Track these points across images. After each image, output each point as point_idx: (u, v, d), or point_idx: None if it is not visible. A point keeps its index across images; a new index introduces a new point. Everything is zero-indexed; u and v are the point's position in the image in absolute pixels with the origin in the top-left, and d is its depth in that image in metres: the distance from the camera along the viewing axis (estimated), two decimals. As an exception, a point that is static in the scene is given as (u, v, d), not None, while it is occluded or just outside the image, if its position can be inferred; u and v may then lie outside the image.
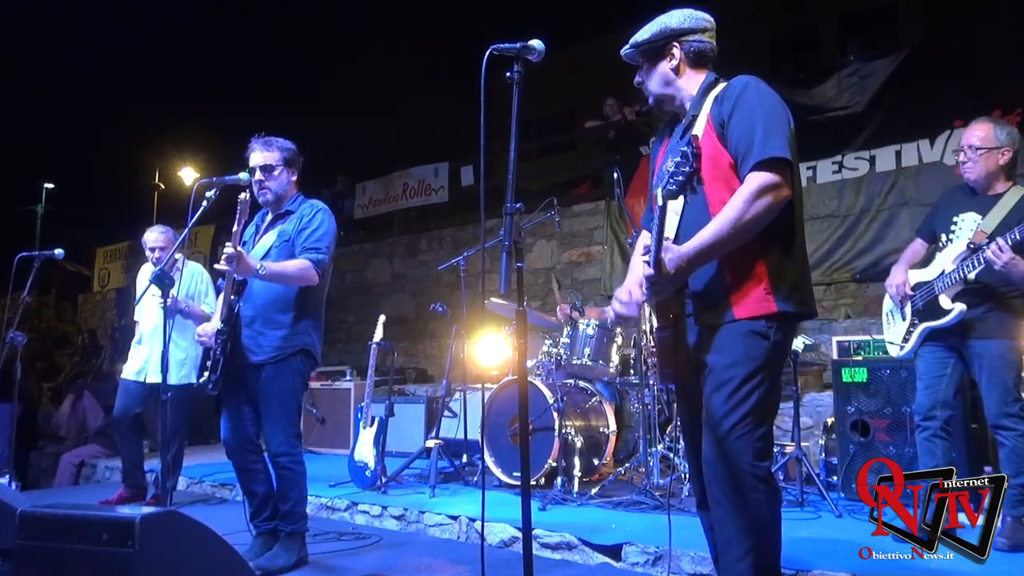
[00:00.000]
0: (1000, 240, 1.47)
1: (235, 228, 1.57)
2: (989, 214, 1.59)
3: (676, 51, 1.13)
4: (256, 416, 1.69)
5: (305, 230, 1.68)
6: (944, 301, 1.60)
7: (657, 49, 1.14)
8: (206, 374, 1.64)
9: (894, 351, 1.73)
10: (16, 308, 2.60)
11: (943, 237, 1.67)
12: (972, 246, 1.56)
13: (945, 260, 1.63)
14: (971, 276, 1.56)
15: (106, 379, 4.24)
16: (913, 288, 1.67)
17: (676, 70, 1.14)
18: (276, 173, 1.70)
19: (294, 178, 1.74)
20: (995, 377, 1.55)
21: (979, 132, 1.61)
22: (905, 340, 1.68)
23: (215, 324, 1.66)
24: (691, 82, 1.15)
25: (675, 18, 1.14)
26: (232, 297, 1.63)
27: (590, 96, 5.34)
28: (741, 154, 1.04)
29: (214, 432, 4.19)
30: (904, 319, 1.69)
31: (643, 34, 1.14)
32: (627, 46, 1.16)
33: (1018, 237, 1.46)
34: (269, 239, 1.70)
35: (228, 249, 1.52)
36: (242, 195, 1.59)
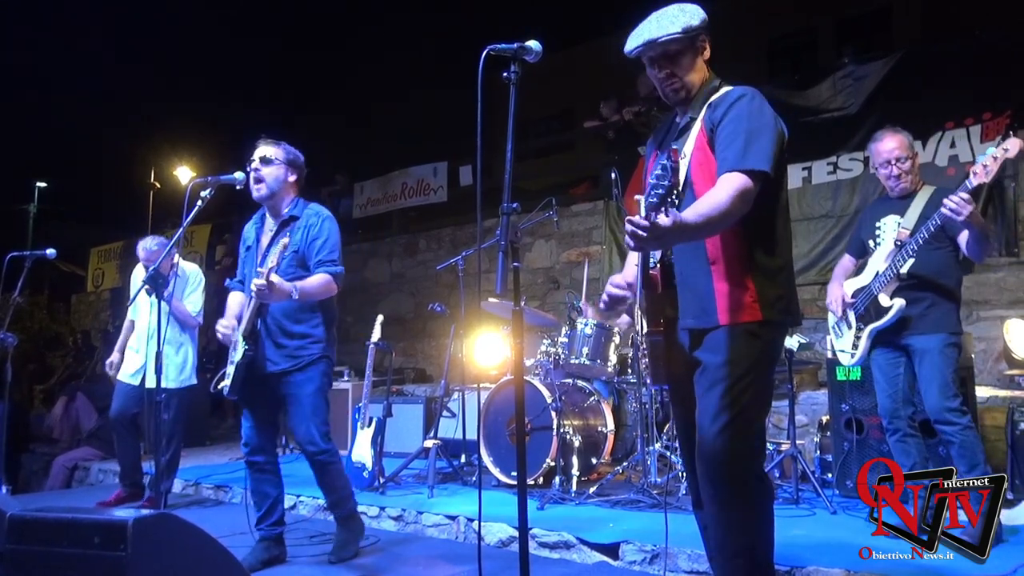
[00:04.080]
0: (958, 193, 1.42)
1: (271, 263, 1.55)
2: (907, 213, 1.65)
3: (707, 42, 1.14)
4: (276, 417, 1.72)
5: (316, 241, 1.69)
6: (883, 299, 1.64)
7: (697, 37, 1.12)
8: (227, 382, 1.65)
9: (845, 359, 1.77)
10: (7, 309, 2.57)
11: (870, 244, 1.73)
12: (899, 243, 1.62)
13: (877, 262, 1.68)
14: (903, 270, 1.63)
15: (99, 381, 4.19)
16: (853, 296, 1.72)
17: (706, 61, 1.15)
18: (274, 166, 1.70)
19: (292, 179, 1.73)
20: (935, 372, 1.57)
21: (894, 144, 1.66)
22: (855, 347, 1.71)
23: (230, 323, 1.65)
24: (707, 77, 1.15)
25: (701, 10, 1.14)
26: (257, 318, 1.64)
27: (589, 96, 5.34)
28: (721, 162, 1.05)
29: (210, 434, 4.20)
30: (850, 327, 1.73)
31: (691, 19, 1.11)
32: (671, 31, 1.09)
33: (968, 189, 1.43)
34: (279, 250, 1.69)
35: (259, 281, 1.52)
36: (284, 239, 1.60)
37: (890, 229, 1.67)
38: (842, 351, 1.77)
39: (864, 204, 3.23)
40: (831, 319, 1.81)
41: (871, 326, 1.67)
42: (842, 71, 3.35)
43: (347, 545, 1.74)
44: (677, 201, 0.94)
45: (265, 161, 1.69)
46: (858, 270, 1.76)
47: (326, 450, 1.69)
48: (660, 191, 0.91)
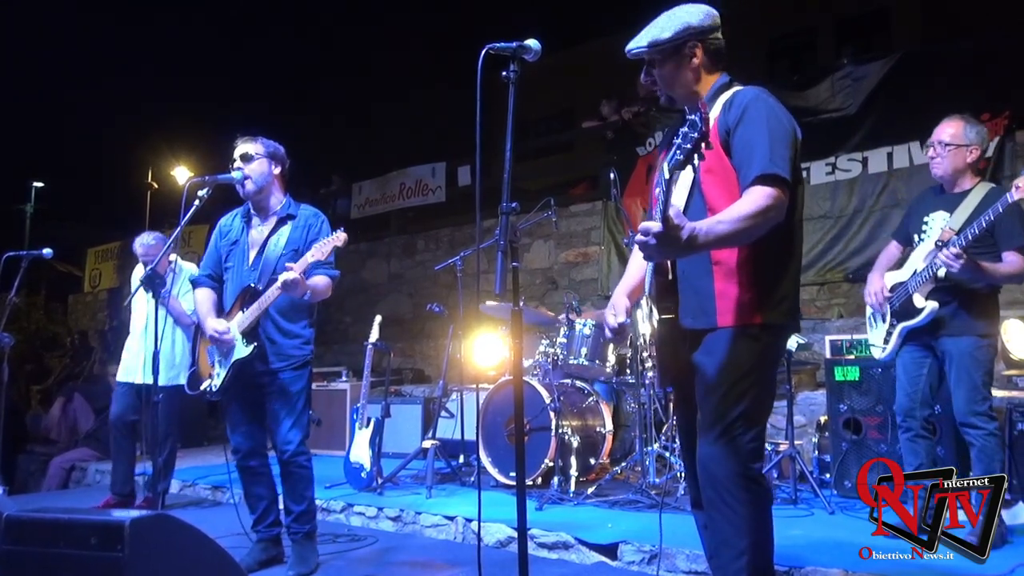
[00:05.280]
0: (949, 248, 1.49)
1: (314, 256, 1.55)
2: (956, 211, 1.61)
3: (699, 51, 1.08)
4: (264, 420, 1.69)
5: (315, 242, 1.67)
6: (917, 300, 1.62)
7: (678, 48, 1.07)
8: (213, 380, 1.63)
9: (877, 353, 1.76)
10: (3, 309, 2.56)
11: (915, 238, 1.70)
12: (939, 244, 1.58)
13: (917, 259, 1.66)
14: (940, 273, 1.58)
15: (97, 381, 4.18)
16: (891, 290, 1.70)
17: (697, 71, 1.09)
18: (256, 161, 1.68)
19: (277, 171, 1.72)
20: (963, 374, 1.56)
21: (950, 129, 1.62)
22: (886, 342, 1.71)
23: (223, 324, 1.62)
24: (708, 81, 1.11)
25: (696, 15, 1.08)
26: (258, 315, 1.61)
27: (589, 96, 5.35)
28: (744, 164, 1.02)
29: (207, 434, 4.18)
30: (884, 321, 1.72)
31: (663, 32, 1.07)
32: (640, 45, 1.08)
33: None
34: (277, 247, 1.68)
35: (291, 275, 1.50)
36: (340, 233, 1.58)
37: (937, 227, 1.62)
38: (874, 345, 1.76)
39: (863, 205, 3.25)
40: (868, 309, 1.78)
41: (903, 324, 1.64)
42: (841, 71, 3.34)
43: (308, 559, 1.65)
44: (699, 162, 0.87)
45: (246, 158, 1.68)
46: (901, 262, 1.72)
47: (303, 453, 1.65)
48: (688, 145, 0.85)
